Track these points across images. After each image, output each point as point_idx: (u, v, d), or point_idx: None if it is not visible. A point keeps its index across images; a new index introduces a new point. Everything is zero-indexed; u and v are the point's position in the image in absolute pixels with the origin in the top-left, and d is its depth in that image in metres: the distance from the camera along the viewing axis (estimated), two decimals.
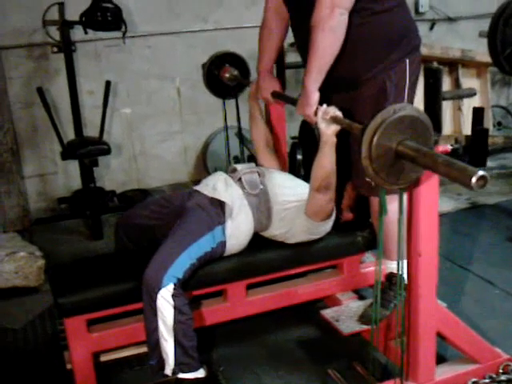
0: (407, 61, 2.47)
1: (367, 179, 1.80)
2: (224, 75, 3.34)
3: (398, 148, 1.75)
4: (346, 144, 2.54)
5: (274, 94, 2.93)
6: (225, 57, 3.35)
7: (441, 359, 2.60)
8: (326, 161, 2.42)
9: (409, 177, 1.84)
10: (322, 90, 2.48)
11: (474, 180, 1.54)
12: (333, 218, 2.70)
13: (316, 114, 2.39)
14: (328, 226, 2.73)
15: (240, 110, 3.60)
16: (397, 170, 1.80)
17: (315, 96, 2.41)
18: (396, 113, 1.74)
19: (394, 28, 2.47)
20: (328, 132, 2.34)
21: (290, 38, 2.90)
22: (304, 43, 2.46)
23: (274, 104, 3.06)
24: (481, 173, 1.54)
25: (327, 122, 2.32)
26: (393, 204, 2.21)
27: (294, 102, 2.65)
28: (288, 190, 2.74)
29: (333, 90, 2.57)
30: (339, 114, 2.30)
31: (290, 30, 2.86)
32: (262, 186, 2.72)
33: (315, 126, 2.43)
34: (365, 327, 2.63)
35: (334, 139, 2.36)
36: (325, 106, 2.34)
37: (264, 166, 2.94)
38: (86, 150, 4.28)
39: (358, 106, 2.50)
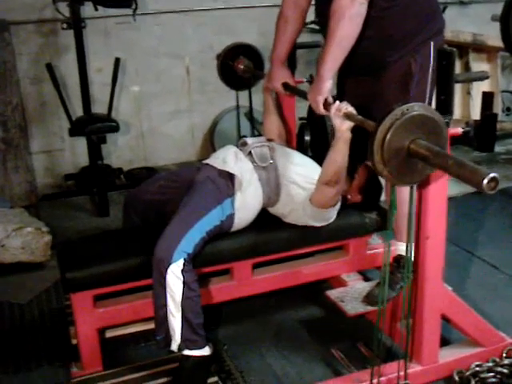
0: (432, 43, 2.48)
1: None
2: (238, 67, 3.31)
3: (411, 147, 1.78)
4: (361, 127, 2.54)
5: (286, 86, 2.92)
6: (239, 48, 3.30)
7: (445, 342, 2.62)
8: (338, 156, 2.43)
9: (421, 174, 1.86)
10: (347, 73, 2.49)
11: (485, 182, 1.56)
12: (338, 207, 2.70)
13: (326, 103, 2.40)
14: (332, 213, 2.72)
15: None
16: (409, 168, 1.82)
17: (328, 84, 2.41)
18: (405, 114, 1.76)
19: (420, 11, 2.48)
20: (342, 128, 2.34)
21: None
22: (326, 23, 2.45)
23: (284, 94, 3.04)
24: (492, 175, 1.55)
25: (341, 118, 2.32)
26: None
27: (304, 94, 2.65)
28: (298, 167, 2.73)
29: (359, 73, 2.58)
30: (352, 110, 2.30)
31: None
32: (271, 161, 2.71)
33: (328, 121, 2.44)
34: (369, 308, 2.63)
35: (349, 134, 2.36)
36: (337, 102, 2.35)
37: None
38: (94, 127, 4.28)
39: (384, 88, 2.51)
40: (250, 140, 2.80)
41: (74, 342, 2.66)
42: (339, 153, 2.41)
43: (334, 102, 2.37)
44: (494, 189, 1.57)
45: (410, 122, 1.77)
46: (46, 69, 4.36)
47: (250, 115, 3.68)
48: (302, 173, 2.71)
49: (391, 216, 2.09)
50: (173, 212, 2.53)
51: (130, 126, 5.20)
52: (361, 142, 2.51)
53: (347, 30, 2.34)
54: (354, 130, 2.36)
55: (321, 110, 2.43)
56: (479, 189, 1.57)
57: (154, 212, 2.78)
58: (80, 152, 4.91)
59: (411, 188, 2.00)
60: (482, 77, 2.44)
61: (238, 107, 3.61)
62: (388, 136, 1.75)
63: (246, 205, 2.64)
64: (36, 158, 4.89)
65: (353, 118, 2.28)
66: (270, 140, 2.88)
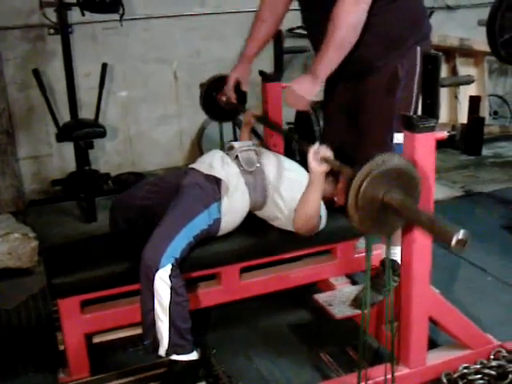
0: (418, 48, 2.49)
1: None
2: (221, 99, 3.26)
3: (385, 198, 1.81)
4: (351, 128, 2.55)
5: (259, 119, 3.04)
6: (223, 80, 3.26)
7: (433, 344, 2.62)
8: (312, 197, 2.48)
9: (392, 226, 1.91)
10: (334, 78, 2.50)
11: (453, 242, 1.60)
12: (323, 222, 2.73)
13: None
14: (318, 228, 2.74)
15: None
16: (381, 218, 1.86)
17: (320, 86, 2.42)
18: (383, 164, 1.79)
19: (407, 16, 2.50)
20: (318, 171, 2.39)
21: (288, 23, 2.90)
22: (315, 30, 2.51)
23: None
24: (461, 236, 1.58)
25: (318, 160, 2.34)
26: None
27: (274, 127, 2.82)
28: (285, 171, 2.74)
29: (346, 77, 2.59)
30: (330, 154, 2.33)
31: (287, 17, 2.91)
32: (258, 164, 2.73)
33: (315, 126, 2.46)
34: (357, 312, 2.64)
35: (322, 178, 2.41)
36: (317, 145, 2.37)
37: None
38: (82, 132, 4.26)
39: (370, 92, 2.52)
40: (236, 144, 2.81)
41: (61, 347, 2.64)
42: (313, 194, 2.47)
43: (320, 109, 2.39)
44: (462, 248, 1.60)
45: (387, 173, 1.80)
46: (32, 74, 4.34)
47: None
48: (288, 177, 2.71)
49: (368, 261, 2.11)
50: (160, 216, 2.52)
51: (117, 131, 5.19)
52: (345, 144, 2.54)
53: (348, 35, 2.34)
54: (344, 129, 2.38)
55: (305, 105, 2.44)
56: (449, 247, 1.61)
57: (141, 217, 2.77)
58: (67, 157, 4.88)
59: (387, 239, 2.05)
60: (468, 81, 2.45)
61: (222, 141, 3.57)
62: (364, 184, 1.78)
63: (232, 209, 2.64)
64: (23, 163, 4.87)
65: (330, 162, 2.31)
66: (257, 145, 2.89)
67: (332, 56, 2.37)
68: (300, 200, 2.53)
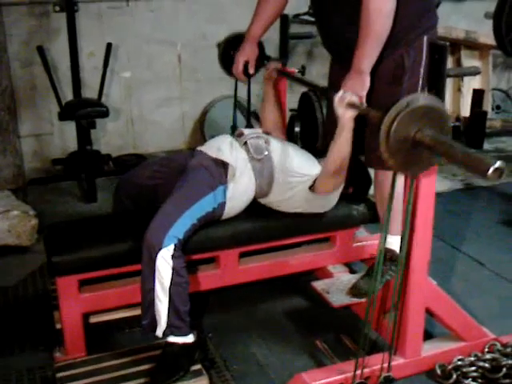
0: (425, 38, 2.48)
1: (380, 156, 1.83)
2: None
3: (416, 136, 1.78)
4: (356, 116, 2.55)
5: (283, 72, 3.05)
6: (241, 37, 3.25)
7: (428, 335, 2.64)
8: (343, 145, 2.44)
9: (426, 164, 1.87)
10: (341, 67, 2.49)
11: (490, 171, 1.57)
12: (340, 189, 2.72)
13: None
14: (335, 196, 2.74)
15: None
16: (415, 158, 1.83)
17: (369, 78, 2.40)
18: (410, 105, 1.76)
19: (415, 8, 2.48)
20: (346, 117, 2.35)
21: (294, 9, 2.88)
22: (334, 35, 2.55)
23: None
24: (497, 165, 1.56)
25: (344, 107, 2.32)
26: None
27: (297, 81, 2.83)
28: (294, 159, 2.73)
29: (350, 66, 2.58)
30: (355, 99, 2.31)
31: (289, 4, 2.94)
32: (266, 152, 2.72)
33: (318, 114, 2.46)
34: (354, 300, 2.65)
35: (352, 124, 2.37)
36: (341, 92, 2.35)
37: None
38: (84, 112, 4.23)
39: (376, 81, 2.50)
40: (246, 131, 2.81)
41: (58, 326, 2.65)
42: (344, 141, 2.42)
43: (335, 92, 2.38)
44: (499, 177, 1.59)
45: (415, 113, 1.77)
46: (36, 52, 4.32)
47: (247, 105, 3.64)
48: (297, 165, 2.70)
49: (389, 209, 2.09)
50: (165, 197, 2.52)
51: (119, 112, 5.18)
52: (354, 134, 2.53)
53: (384, 26, 2.34)
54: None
55: (364, 102, 2.41)
56: (485, 178, 1.59)
57: (147, 196, 2.77)
58: (69, 137, 4.88)
59: (411, 182, 2.03)
60: (474, 72, 2.45)
61: (235, 96, 3.57)
62: (393, 126, 1.76)
63: (238, 194, 2.64)
64: (24, 141, 4.85)
65: (357, 107, 2.29)
66: (266, 132, 2.89)
67: (372, 47, 2.37)
68: (331, 149, 2.49)
